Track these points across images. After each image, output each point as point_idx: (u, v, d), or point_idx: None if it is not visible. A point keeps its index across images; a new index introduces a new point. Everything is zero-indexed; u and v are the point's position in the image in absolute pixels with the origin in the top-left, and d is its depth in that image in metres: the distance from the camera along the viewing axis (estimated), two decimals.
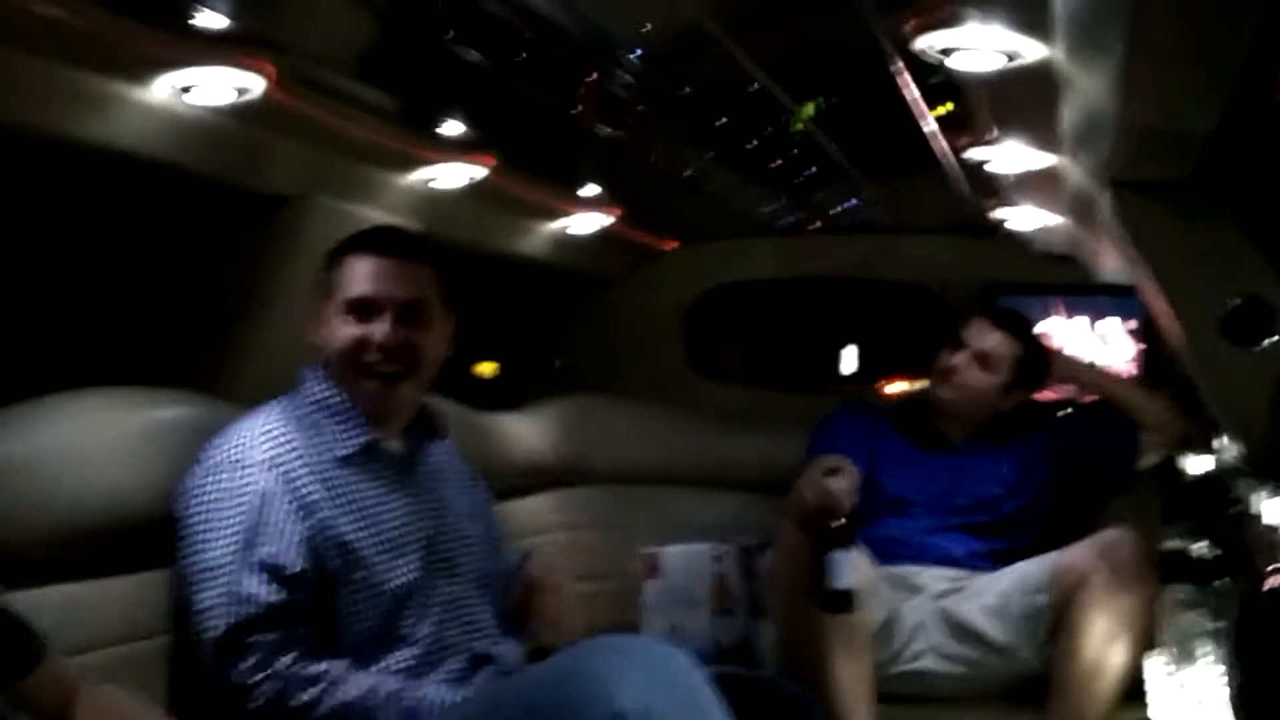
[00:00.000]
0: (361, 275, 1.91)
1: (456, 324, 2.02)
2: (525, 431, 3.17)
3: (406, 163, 2.35)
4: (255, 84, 1.80)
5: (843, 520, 2.44)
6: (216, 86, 1.79)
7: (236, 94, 1.81)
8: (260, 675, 1.72)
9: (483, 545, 2.03)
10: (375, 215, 2.37)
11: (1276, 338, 1.95)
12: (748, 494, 3.24)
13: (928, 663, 2.71)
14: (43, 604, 1.65)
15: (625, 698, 1.42)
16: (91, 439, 1.84)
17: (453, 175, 2.42)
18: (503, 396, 3.33)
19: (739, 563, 2.95)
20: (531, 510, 3.06)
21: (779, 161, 2.77)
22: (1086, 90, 1.71)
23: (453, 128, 2.23)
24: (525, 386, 3.55)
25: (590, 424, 3.33)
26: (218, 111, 1.89)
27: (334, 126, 2.08)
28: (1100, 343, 3.27)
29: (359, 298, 1.91)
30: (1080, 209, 2.41)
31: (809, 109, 2.42)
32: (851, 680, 2.52)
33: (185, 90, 1.79)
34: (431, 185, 2.45)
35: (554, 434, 3.25)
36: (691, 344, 3.65)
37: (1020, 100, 1.91)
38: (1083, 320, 3.27)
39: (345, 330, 1.91)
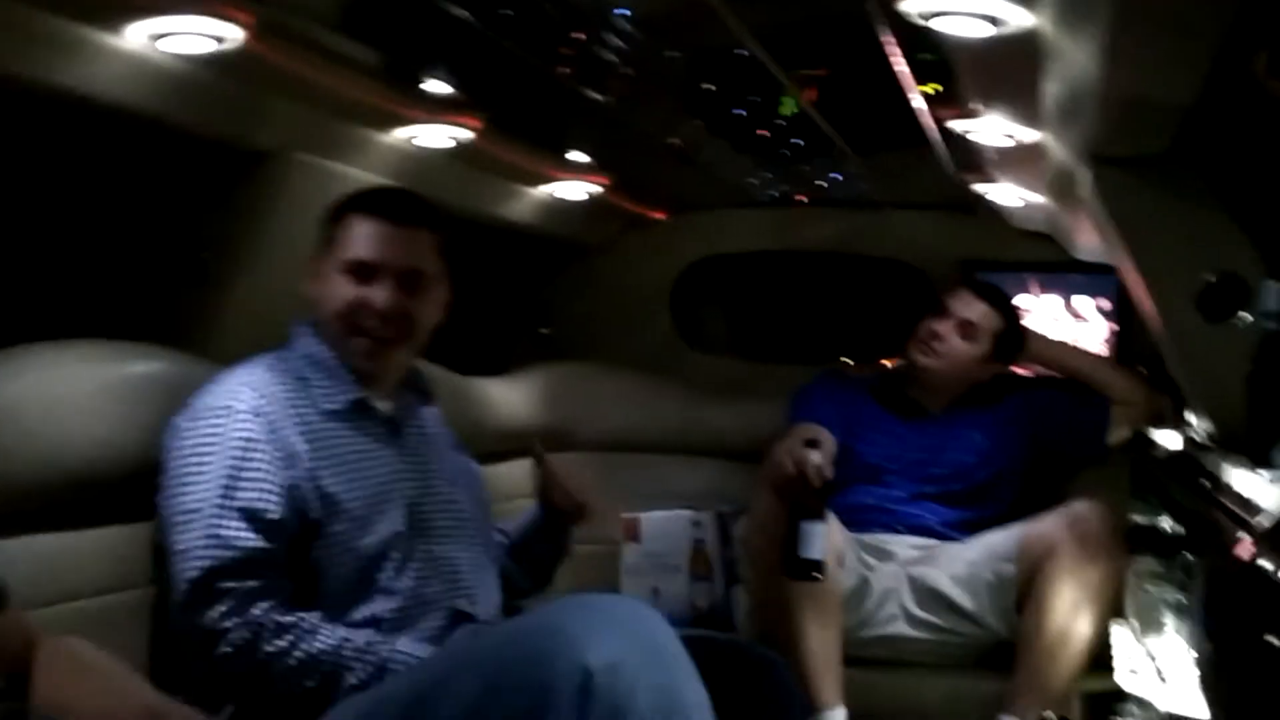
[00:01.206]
0: (365, 237, 1.91)
1: (451, 291, 2.02)
2: (511, 397, 3.18)
3: (390, 121, 2.33)
4: (232, 33, 1.77)
5: (817, 491, 2.47)
6: (192, 35, 1.77)
7: (214, 43, 1.79)
8: (232, 621, 1.72)
9: (469, 509, 2.04)
10: (357, 173, 2.37)
11: (1250, 314, 1.96)
12: (729, 462, 3.27)
13: (898, 628, 2.75)
14: (18, 555, 1.67)
15: (594, 654, 1.43)
16: (67, 391, 1.83)
17: (437, 135, 2.40)
18: (489, 362, 3.34)
19: (717, 529, 2.98)
20: (516, 475, 3.07)
21: (766, 133, 2.77)
22: (1070, 61, 1.71)
23: (438, 86, 2.22)
24: (512, 352, 3.56)
25: (575, 391, 3.34)
26: (195, 61, 1.87)
27: (315, 81, 2.06)
28: (1073, 320, 3.30)
29: (360, 260, 1.90)
30: (1060, 185, 2.42)
31: (795, 96, 2.42)
32: (821, 645, 2.56)
33: (159, 38, 1.77)
34: (415, 145, 2.44)
35: (539, 400, 3.26)
36: (678, 314, 3.67)
37: (1005, 72, 1.91)
38: (1056, 298, 3.31)
39: (343, 290, 1.91)
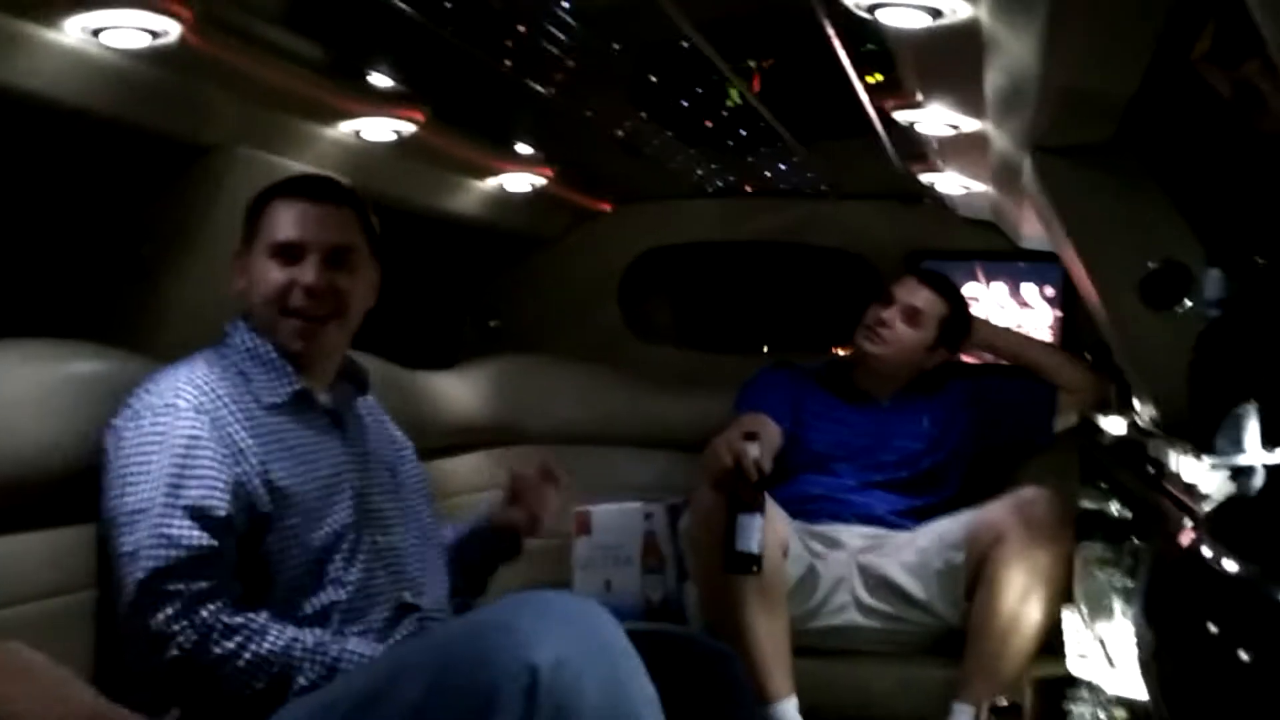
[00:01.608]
0: (287, 220, 1.89)
1: (382, 275, 2.00)
2: (458, 391, 3.16)
3: (332, 114, 2.31)
4: (169, 27, 1.75)
5: (753, 484, 2.47)
6: (129, 29, 1.74)
7: (150, 37, 1.76)
8: (179, 624, 1.70)
9: (412, 499, 2.03)
10: (299, 167, 2.33)
11: (1192, 302, 1.98)
12: (679, 454, 3.26)
13: (848, 616, 2.76)
14: None
15: (540, 652, 1.42)
16: (5, 391, 1.79)
17: (380, 128, 2.38)
18: (436, 355, 3.31)
19: (668, 521, 2.98)
20: (465, 469, 3.07)
21: (711, 124, 2.77)
22: (1010, 52, 1.72)
23: (380, 79, 2.20)
24: (459, 346, 3.53)
25: (524, 384, 3.33)
26: (133, 55, 1.84)
27: (256, 74, 2.04)
28: (1019, 308, 3.34)
29: (285, 241, 1.88)
30: (1003, 174, 2.44)
31: (740, 87, 2.42)
32: (769, 636, 2.56)
33: (97, 32, 1.75)
34: (359, 138, 2.41)
35: (488, 393, 3.25)
36: (626, 306, 3.66)
37: (946, 62, 1.92)
38: (1002, 286, 3.35)
39: (271, 274, 1.89)
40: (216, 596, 1.72)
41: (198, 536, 1.73)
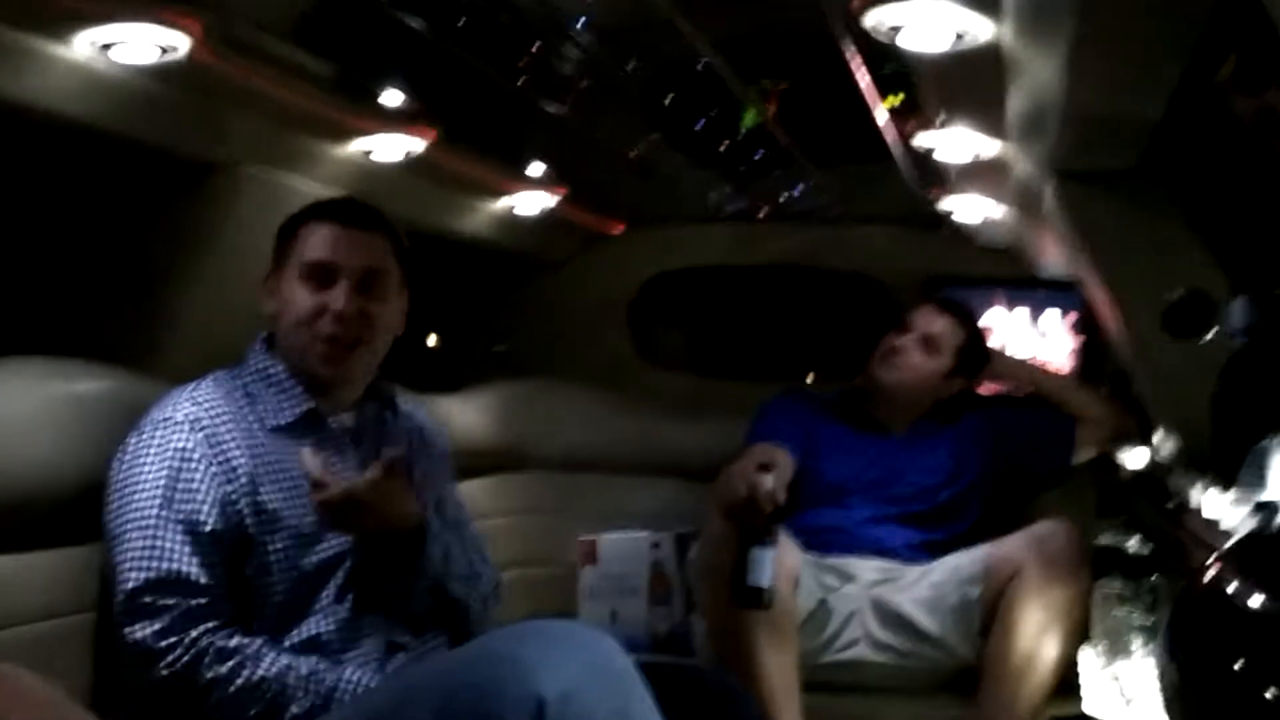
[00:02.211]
0: (320, 241, 1.89)
1: (409, 303, 1.99)
2: (465, 415, 3.13)
3: (342, 133, 2.29)
4: (179, 42, 1.74)
5: (767, 516, 2.43)
6: (139, 44, 1.73)
7: (160, 52, 1.75)
8: (169, 641, 1.68)
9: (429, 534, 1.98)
10: (309, 186, 2.31)
11: (1216, 331, 1.95)
12: (688, 482, 3.21)
13: (860, 651, 2.71)
14: None
15: (547, 683, 1.39)
16: (9, 410, 1.78)
17: (391, 147, 2.36)
18: (443, 379, 3.29)
19: (676, 551, 2.94)
20: (470, 495, 3.00)
21: (726, 145, 2.75)
22: (1034, 75, 1.69)
23: (391, 97, 2.18)
24: (467, 370, 3.51)
25: (531, 409, 3.30)
26: (142, 72, 1.83)
27: (266, 92, 2.02)
28: (1040, 336, 3.29)
29: (316, 262, 1.87)
30: (1024, 199, 2.41)
31: (756, 108, 2.39)
32: (778, 671, 2.51)
33: (107, 47, 1.73)
34: (369, 157, 2.39)
35: (494, 418, 3.21)
36: (636, 330, 3.63)
37: (968, 85, 1.90)
38: (1023, 313, 3.30)
39: (302, 296, 1.87)
40: (208, 618, 1.70)
41: (188, 553, 1.72)
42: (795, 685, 2.53)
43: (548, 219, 3.16)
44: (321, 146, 2.32)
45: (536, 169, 2.89)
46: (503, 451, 3.20)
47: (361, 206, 1.99)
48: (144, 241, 2.29)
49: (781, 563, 2.49)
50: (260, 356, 1.91)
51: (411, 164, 2.46)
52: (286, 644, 1.76)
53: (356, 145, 2.34)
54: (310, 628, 1.78)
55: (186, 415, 1.80)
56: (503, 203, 3.02)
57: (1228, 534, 1.52)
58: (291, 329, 1.88)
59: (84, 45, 1.74)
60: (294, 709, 1.68)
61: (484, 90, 2.23)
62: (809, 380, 3.53)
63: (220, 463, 1.78)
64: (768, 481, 2.47)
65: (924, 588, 2.72)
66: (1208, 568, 1.00)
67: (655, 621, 2.91)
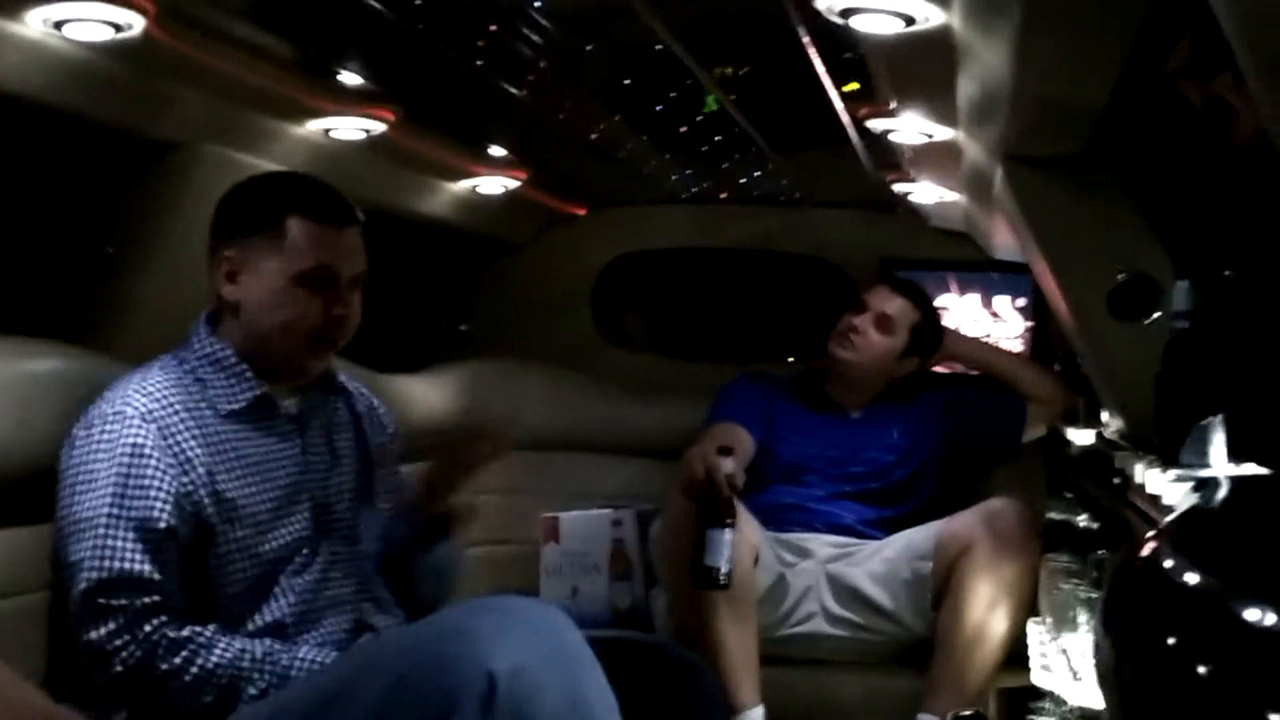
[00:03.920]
0: (318, 245, 1.83)
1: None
2: (427, 394, 3.13)
3: (301, 112, 2.28)
4: (133, 20, 1.72)
5: (725, 498, 2.47)
6: (92, 22, 1.71)
7: (114, 30, 1.73)
8: (122, 640, 1.67)
9: (380, 506, 1.99)
10: (268, 166, 2.30)
11: (1160, 314, 1.98)
12: (649, 461, 3.25)
13: (816, 625, 2.75)
14: None
15: (498, 658, 1.41)
16: None
17: (350, 127, 2.36)
18: (406, 358, 3.29)
19: (637, 529, 2.97)
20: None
21: (685, 129, 2.76)
22: (984, 61, 1.71)
23: (350, 77, 2.18)
24: (430, 349, 3.51)
25: (494, 388, 3.31)
26: (96, 49, 1.81)
27: (222, 70, 2.01)
28: (991, 319, 3.35)
29: (319, 268, 1.82)
30: (976, 183, 2.44)
31: (716, 93, 2.40)
32: (737, 645, 2.55)
33: (60, 25, 1.72)
34: (328, 137, 2.39)
35: (457, 397, 3.22)
36: (598, 311, 3.65)
37: (919, 71, 1.92)
38: (974, 297, 3.35)
39: (300, 303, 1.82)
40: (159, 612, 1.69)
41: (141, 551, 1.69)
42: (754, 659, 2.58)
43: (510, 200, 3.17)
44: (280, 126, 2.31)
45: (498, 151, 2.90)
46: (465, 431, 3.21)
47: (342, 199, 1.93)
48: (100, 220, 2.28)
49: (744, 538, 2.53)
50: (206, 339, 1.86)
51: (372, 144, 2.46)
52: (248, 629, 1.76)
53: (315, 125, 2.33)
54: (272, 611, 1.78)
55: (137, 409, 1.76)
56: (464, 184, 3.03)
57: (1169, 509, 1.55)
58: (279, 329, 1.83)
59: (37, 22, 1.72)
60: (250, 691, 1.68)
61: (444, 71, 2.23)
62: (790, 363, 3.56)
63: (174, 455, 1.75)
64: (728, 465, 2.51)
65: (878, 563, 2.77)
66: (1145, 543, 1.03)
67: (616, 597, 2.94)
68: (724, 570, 2.44)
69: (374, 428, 2.05)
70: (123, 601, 1.68)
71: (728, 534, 2.45)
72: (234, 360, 1.85)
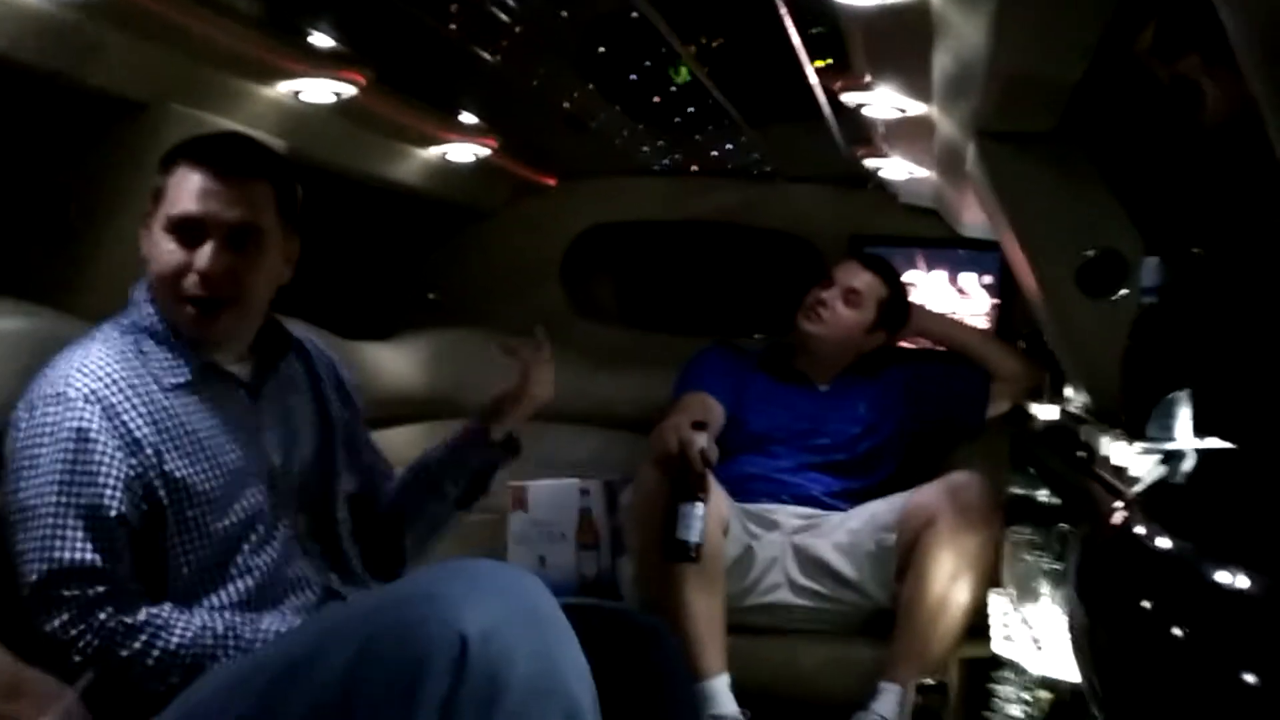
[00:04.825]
0: (190, 191, 1.74)
1: (301, 245, 1.87)
2: (394, 362, 3.12)
3: (270, 73, 2.25)
4: None
5: (698, 473, 2.49)
6: None
7: None
8: (77, 630, 1.62)
9: (344, 471, 1.96)
10: (236, 127, 2.27)
11: (1128, 290, 2.00)
12: (618, 431, 3.26)
13: (781, 595, 2.78)
14: None
15: (469, 621, 1.39)
16: None
17: (320, 90, 2.32)
18: (374, 326, 3.27)
19: (604, 498, 2.98)
20: (402, 441, 3.02)
21: (659, 100, 2.75)
22: (959, 35, 1.72)
23: (321, 39, 2.15)
24: (397, 317, 3.49)
25: (461, 357, 3.30)
26: (65, 5, 1.78)
27: (190, 29, 1.97)
28: (957, 295, 3.37)
29: (183, 215, 1.73)
30: (947, 160, 2.45)
31: (690, 64, 2.39)
32: (704, 614, 2.57)
33: None
34: (297, 99, 2.36)
35: (424, 366, 3.21)
36: (568, 282, 3.64)
37: (895, 44, 1.92)
38: (941, 273, 3.38)
39: (166, 250, 1.74)
40: (113, 599, 1.64)
41: (90, 540, 1.64)
42: (721, 628, 2.60)
43: (480, 168, 3.15)
44: (248, 86, 2.28)
45: (469, 118, 2.88)
46: (433, 399, 3.20)
47: (243, 147, 1.83)
48: (67, 179, 2.24)
49: (713, 509, 2.54)
50: (145, 307, 1.78)
51: (342, 107, 2.43)
52: (206, 606, 1.71)
53: (285, 86, 2.30)
54: (230, 592, 1.74)
55: (80, 390, 1.68)
56: (434, 151, 3.00)
57: (1135, 481, 1.57)
58: (158, 284, 1.76)
59: None
60: (216, 668, 1.64)
61: (416, 34, 2.20)
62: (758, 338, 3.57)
63: (121, 437, 1.68)
64: (701, 439, 2.53)
65: (843, 534, 2.80)
66: (1116, 511, 1.04)
67: (583, 566, 2.95)
68: (695, 544, 2.46)
69: (334, 388, 2.00)
70: (75, 592, 1.62)
71: (700, 508, 2.47)
72: (170, 331, 1.77)
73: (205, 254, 1.74)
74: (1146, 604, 0.72)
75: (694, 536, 2.46)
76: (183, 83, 2.16)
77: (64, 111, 2.15)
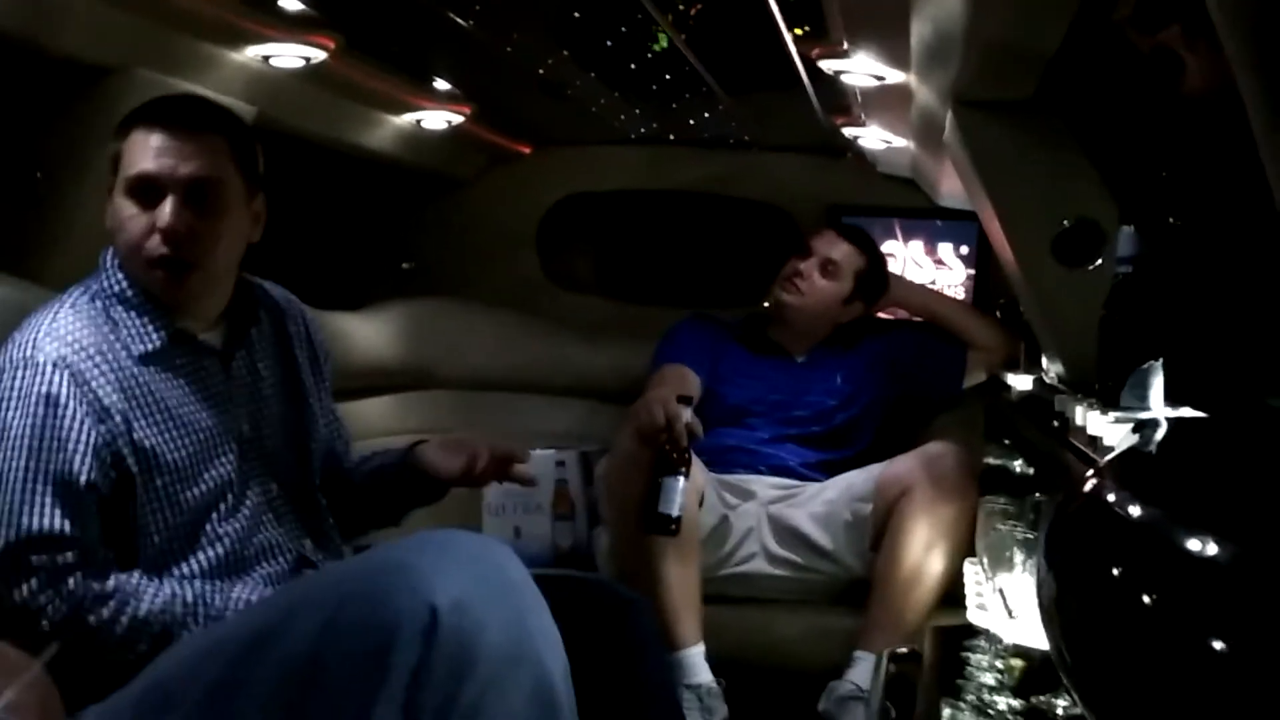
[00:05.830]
0: (144, 151, 1.70)
1: (267, 204, 1.83)
2: (368, 332, 3.10)
3: (238, 37, 2.22)
4: None
5: (682, 447, 2.49)
6: None
7: None
8: (45, 597, 1.61)
9: (316, 441, 1.94)
10: (204, 93, 2.24)
11: (1104, 260, 2.00)
12: (594, 402, 3.25)
13: (757, 566, 2.78)
14: None
15: (440, 591, 1.38)
16: None
17: (289, 55, 2.29)
18: (347, 295, 3.24)
19: (580, 469, 2.97)
20: (375, 412, 3.01)
21: (636, 67, 2.73)
22: (938, 2, 1.70)
23: (291, 2, 2.12)
24: (371, 287, 3.47)
25: (436, 327, 3.28)
26: None
27: None
28: (934, 266, 3.37)
29: (139, 175, 1.70)
30: (924, 129, 2.44)
31: (668, 31, 2.37)
32: (680, 585, 2.57)
33: None
34: (267, 65, 2.32)
35: (398, 336, 3.19)
36: (545, 252, 3.62)
37: (873, 11, 1.91)
38: (918, 244, 3.38)
39: (128, 215, 1.71)
40: (82, 567, 1.63)
41: (59, 508, 1.62)
42: (696, 599, 2.60)
43: (454, 135, 3.12)
44: (216, 51, 2.24)
45: (442, 84, 2.84)
46: (407, 369, 3.19)
47: (195, 105, 1.80)
48: (33, 146, 2.21)
49: (691, 480, 2.54)
50: (113, 273, 1.75)
51: (312, 73, 2.39)
52: (176, 574, 1.70)
53: (253, 51, 2.27)
54: (202, 555, 1.73)
55: (48, 355, 1.66)
56: (407, 117, 2.97)
57: (1109, 449, 1.57)
58: (125, 251, 1.73)
59: None
60: (186, 635, 1.63)
61: None
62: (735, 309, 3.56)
63: (90, 404, 1.66)
64: (687, 414, 2.53)
65: (819, 504, 2.80)
66: (1087, 479, 1.03)
67: (558, 537, 2.95)
68: (675, 517, 2.47)
69: (304, 347, 1.98)
70: (43, 559, 1.61)
71: (681, 482, 2.48)
72: (141, 297, 1.75)
73: (165, 211, 1.71)
74: (1115, 571, 0.72)
75: (675, 510, 2.47)
76: (150, 48, 2.13)
77: (29, 77, 2.11)
